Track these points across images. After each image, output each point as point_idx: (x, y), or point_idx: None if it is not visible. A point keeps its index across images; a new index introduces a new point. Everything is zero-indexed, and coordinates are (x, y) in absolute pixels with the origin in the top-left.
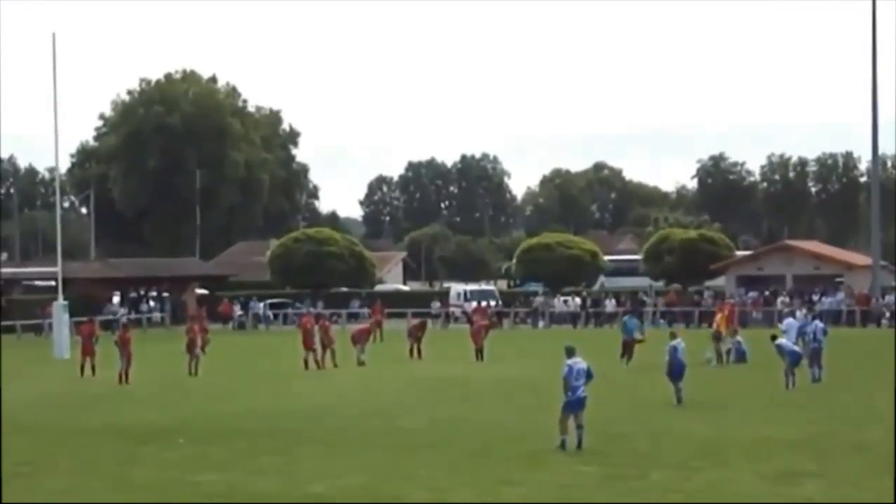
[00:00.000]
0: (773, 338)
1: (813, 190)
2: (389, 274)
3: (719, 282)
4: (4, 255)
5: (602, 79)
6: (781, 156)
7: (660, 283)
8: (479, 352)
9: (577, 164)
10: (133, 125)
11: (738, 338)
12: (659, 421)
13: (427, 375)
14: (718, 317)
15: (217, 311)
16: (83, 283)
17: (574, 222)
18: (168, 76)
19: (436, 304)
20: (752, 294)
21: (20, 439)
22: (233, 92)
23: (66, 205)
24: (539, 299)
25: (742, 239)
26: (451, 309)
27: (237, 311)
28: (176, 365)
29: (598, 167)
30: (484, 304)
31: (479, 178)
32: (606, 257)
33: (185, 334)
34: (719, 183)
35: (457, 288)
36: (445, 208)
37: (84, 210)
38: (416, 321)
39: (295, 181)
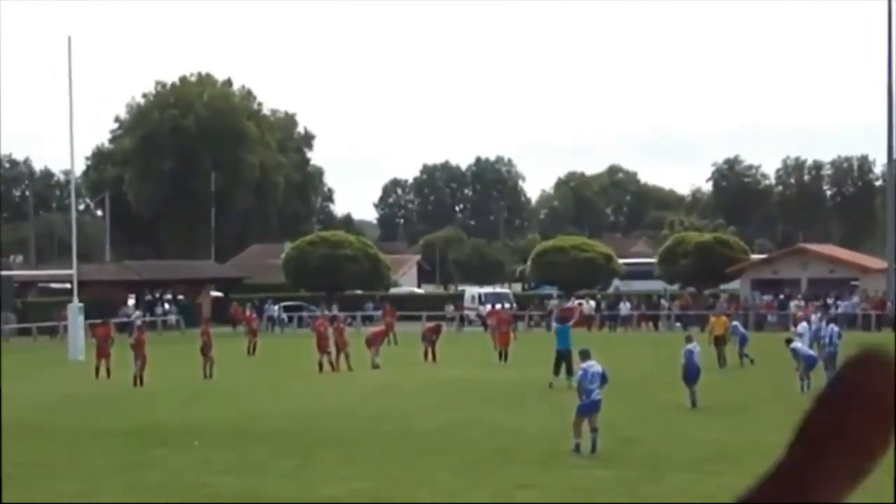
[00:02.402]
0: (788, 341)
1: (828, 193)
2: (404, 277)
3: (734, 285)
4: (20, 258)
5: (617, 81)
6: (797, 159)
7: (675, 287)
8: (504, 354)
9: (592, 167)
10: (148, 128)
11: (734, 322)
12: (674, 424)
13: (441, 378)
14: (713, 321)
15: (227, 314)
16: (98, 285)
17: (589, 225)
18: (183, 79)
19: (450, 308)
20: (767, 297)
21: (35, 441)
22: (248, 95)
23: (82, 207)
24: (553, 302)
25: (757, 242)
26: (466, 312)
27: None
28: (191, 367)
29: (613, 170)
30: (498, 306)
31: (494, 180)
32: (621, 260)
33: (199, 337)
34: (734, 186)
35: (471, 291)
36: (460, 211)
37: (99, 212)
38: (430, 324)
39: (310, 184)
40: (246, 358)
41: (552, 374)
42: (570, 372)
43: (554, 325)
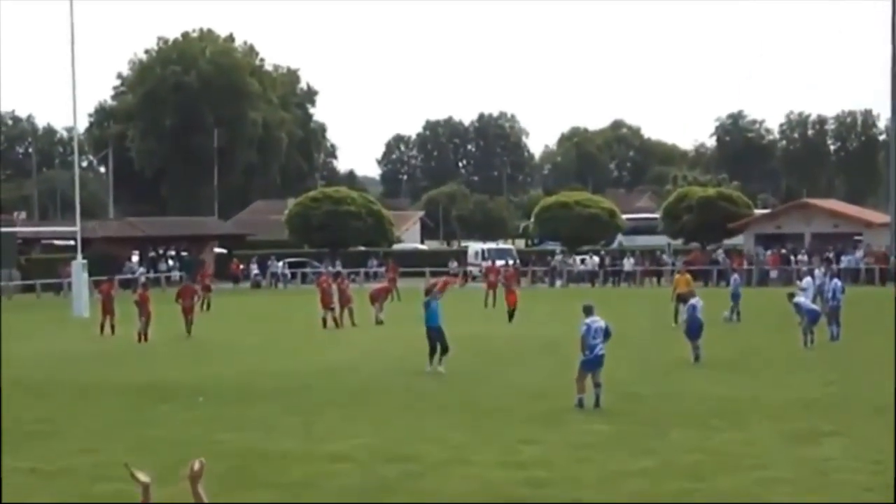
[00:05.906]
0: (791, 296)
1: (832, 148)
2: (407, 233)
3: (738, 240)
4: (23, 215)
5: (620, 36)
6: (800, 114)
7: (678, 242)
8: (511, 313)
9: (595, 121)
10: (150, 84)
11: (734, 276)
12: (677, 380)
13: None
14: (677, 278)
15: (228, 270)
16: (102, 242)
17: (592, 181)
18: (185, 35)
19: (453, 264)
20: (769, 252)
21: (38, 398)
22: (250, 51)
23: (85, 164)
24: (557, 258)
25: (760, 197)
26: (470, 268)
27: (254, 270)
28: (196, 324)
29: (617, 125)
30: (500, 262)
31: (497, 136)
32: (624, 216)
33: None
34: (738, 141)
35: (475, 247)
36: (463, 167)
37: (102, 169)
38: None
39: (313, 140)
40: (250, 314)
41: (427, 363)
42: (445, 350)
43: (427, 299)
